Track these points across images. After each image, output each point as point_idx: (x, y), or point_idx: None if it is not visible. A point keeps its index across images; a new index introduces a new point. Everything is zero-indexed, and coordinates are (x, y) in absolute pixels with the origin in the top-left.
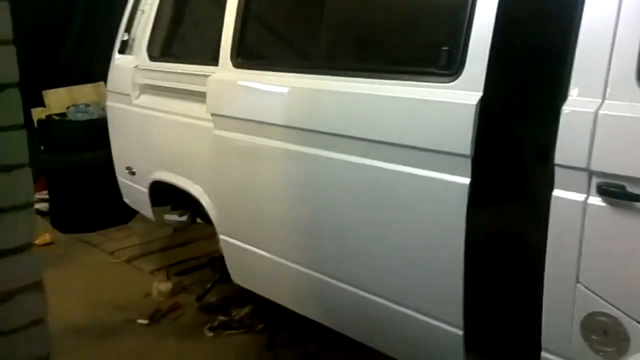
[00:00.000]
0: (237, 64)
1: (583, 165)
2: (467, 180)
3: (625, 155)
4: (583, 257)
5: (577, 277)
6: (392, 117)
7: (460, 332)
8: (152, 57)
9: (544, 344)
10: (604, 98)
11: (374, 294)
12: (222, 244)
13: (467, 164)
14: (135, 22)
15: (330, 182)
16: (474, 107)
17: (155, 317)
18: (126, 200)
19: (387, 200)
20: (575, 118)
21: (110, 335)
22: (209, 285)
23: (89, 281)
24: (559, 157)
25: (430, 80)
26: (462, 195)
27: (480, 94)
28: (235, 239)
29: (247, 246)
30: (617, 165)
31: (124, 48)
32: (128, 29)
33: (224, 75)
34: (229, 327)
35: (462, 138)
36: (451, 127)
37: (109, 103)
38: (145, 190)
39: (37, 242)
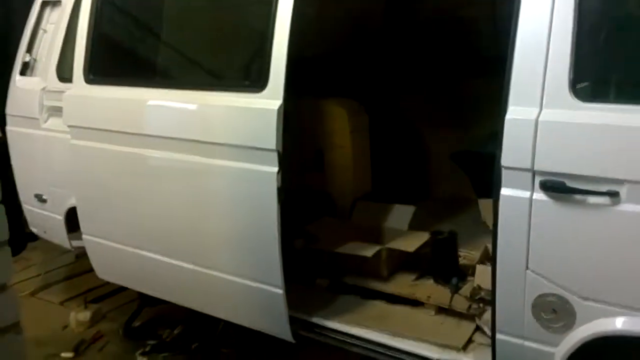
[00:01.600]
0: (88, 80)
1: (527, 166)
2: (275, 169)
3: (564, 156)
4: (531, 245)
5: (527, 264)
6: (216, 121)
7: (281, 291)
8: (62, 79)
9: (498, 326)
10: (541, 107)
11: (212, 269)
12: (85, 244)
13: (275, 157)
14: (37, 42)
15: (168, 177)
16: (276, 111)
17: (80, 349)
18: (33, 229)
19: (215, 189)
20: (518, 125)
21: None
22: (134, 310)
23: None
24: (505, 160)
25: (245, 91)
26: (272, 181)
27: (280, 101)
28: (96, 237)
29: (106, 242)
30: (557, 165)
31: (26, 69)
32: (29, 50)
33: (77, 91)
34: (162, 349)
35: (269, 136)
36: (261, 128)
37: (9, 128)
38: (60, 217)
39: None
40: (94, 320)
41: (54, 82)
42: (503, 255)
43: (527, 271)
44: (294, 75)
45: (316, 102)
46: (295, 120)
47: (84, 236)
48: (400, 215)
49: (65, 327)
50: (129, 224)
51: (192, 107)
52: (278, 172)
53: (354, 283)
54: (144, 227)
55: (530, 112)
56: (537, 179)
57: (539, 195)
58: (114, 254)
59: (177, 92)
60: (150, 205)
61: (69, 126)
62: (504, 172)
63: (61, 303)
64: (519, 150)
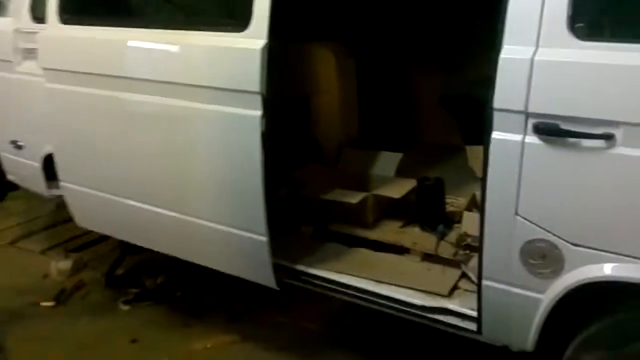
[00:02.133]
0: (63, 20)
1: (521, 108)
2: (259, 113)
3: (559, 96)
4: (521, 191)
5: (516, 210)
6: (196, 62)
7: (265, 239)
8: (36, 19)
9: (484, 273)
10: (537, 45)
11: (194, 216)
12: (63, 192)
13: (258, 100)
14: None
15: (148, 122)
16: (260, 51)
17: (61, 298)
18: (10, 177)
19: (196, 134)
20: (512, 65)
21: (16, 321)
22: (116, 258)
23: None
24: (498, 102)
25: (227, 30)
26: (256, 126)
27: (265, 40)
28: (74, 184)
29: (85, 189)
30: (552, 106)
31: None
32: None
33: (52, 32)
34: (144, 298)
35: (253, 78)
36: (244, 69)
37: None
38: (37, 164)
39: None
40: (75, 269)
41: (27, 23)
42: (492, 201)
43: (517, 217)
44: (277, 15)
45: (301, 45)
46: (280, 64)
47: (61, 184)
48: (387, 162)
49: (46, 276)
50: (108, 170)
51: (171, 47)
52: (262, 117)
53: (339, 230)
54: (124, 174)
55: (526, 51)
56: (530, 122)
57: (532, 139)
58: (93, 202)
59: (156, 32)
60: (130, 151)
61: (44, 69)
62: (495, 115)
63: (42, 252)
64: (513, 91)
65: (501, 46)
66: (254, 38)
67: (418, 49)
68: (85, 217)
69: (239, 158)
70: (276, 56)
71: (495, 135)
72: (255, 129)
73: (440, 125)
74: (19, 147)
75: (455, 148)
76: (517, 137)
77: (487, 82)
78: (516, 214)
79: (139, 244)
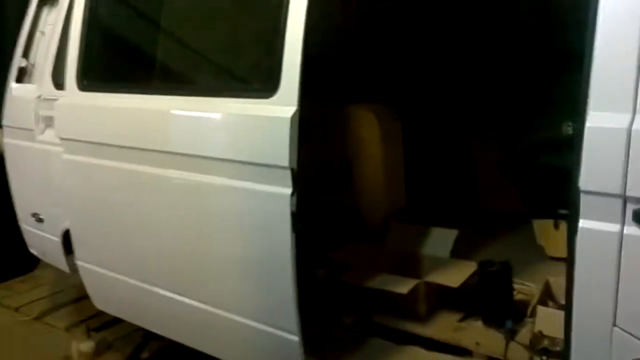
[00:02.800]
0: (82, 87)
1: (617, 190)
2: (288, 191)
3: None
4: (621, 297)
5: (615, 320)
6: (219, 132)
7: (296, 339)
8: (57, 86)
9: None
10: (635, 111)
11: (216, 307)
12: (80, 271)
13: (288, 175)
14: (34, 46)
15: (167, 199)
16: (289, 120)
17: None
18: (33, 251)
19: (219, 214)
20: (604, 136)
21: None
22: (140, 342)
23: None
24: (585, 182)
25: (253, 97)
26: (285, 205)
27: (295, 108)
28: (90, 264)
29: (101, 270)
30: None
31: (22, 76)
32: (26, 54)
33: (70, 99)
34: None
35: (281, 150)
36: (271, 140)
37: (6, 140)
38: (57, 239)
39: None
40: (98, 351)
41: (49, 89)
42: (581, 308)
43: (615, 328)
44: (312, 77)
45: (341, 108)
46: (318, 130)
47: (78, 262)
48: (441, 240)
49: (67, 358)
50: (124, 251)
51: (192, 116)
52: (292, 194)
53: (385, 323)
54: (141, 256)
55: (621, 119)
56: (630, 208)
57: (632, 230)
58: (109, 284)
59: (176, 99)
60: (148, 231)
61: (61, 139)
62: (582, 198)
63: (66, 329)
64: (604, 169)
65: (585, 113)
66: (282, 105)
67: (473, 112)
68: (102, 299)
69: (265, 242)
70: (309, 124)
71: (583, 224)
72: (284, 209)
73: (499, 194)
74: (40, 220)
75: (517, 219)
76: (613, 228)
77: (553, 146)
78: (614, 325)
79: (156, 332)
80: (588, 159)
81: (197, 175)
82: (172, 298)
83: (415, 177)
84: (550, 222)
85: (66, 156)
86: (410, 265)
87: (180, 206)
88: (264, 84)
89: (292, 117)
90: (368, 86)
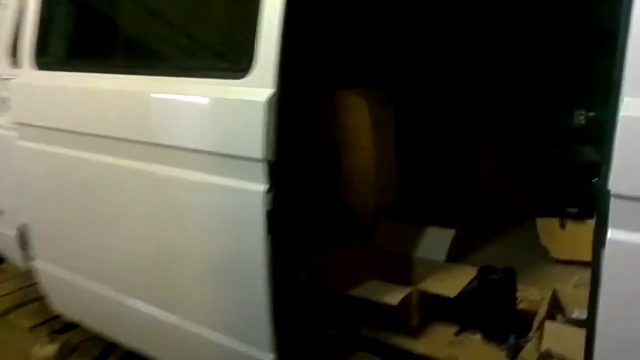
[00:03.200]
0: (39, 65)
1: None
2: (262, 187)
3: None
4: None
5: None
6: (184, 118)
7: (271, 356)
8: (15, 64)
9: None
10: None
11: (182, 317)
12: (37, 270)
13: (261, 169)
14: None
15: (127, 193)
16: (264, 104)
17: None
18: None
19: (184, 212)
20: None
21: None
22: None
23: None
24: (617, 183)
25: (222, 76)
26: (258, 204)
27: (272, 90)
28: (48, 262)
29: (59, 269)
30: None
31: None
32: None
33: (25, 79)
34: None
35: (254, 139)
36: (243, 128)
37: None
38: (12, 233)
39: None
40: (62, 354)
41: (4, 68)
42: (607, 327)
43: None
44: (295, 57)
45: (329, 92)
46: (302, 117)
47: (35, 260)
48: (436, 240)
49: None
50: (83, 249)
51: (154, 99)
52: (267, 191)
53: (372, 336)
54: (101, 256)
55: None
56: None
57: None
58: (67, 286)
59: (139, 79)
60: (108, 229)
61: (16, 123)
62: (612, 203)
63: (30, 328)
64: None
65: (618, 100)
66: (257, 87)
67: (472, 98)
68: (59, 301)
69: (236, 245)
70: (292, 110)
71: (613, 234)
72: (257, 208)
73: (499, 189)
74: (0, 213)
75: (519, 217)
76: None
77: (563, 137)
78: None
79: (118, 342)
80: (621, 155)
81: (161, 167)
82: (134, 305)
83: (409, 169)
84: (556, 221)
85: (21, 143)
86: (402, 270)
87: (143, 202)
88: (236, 61)
89: (268, 101)
90: (359, 69)
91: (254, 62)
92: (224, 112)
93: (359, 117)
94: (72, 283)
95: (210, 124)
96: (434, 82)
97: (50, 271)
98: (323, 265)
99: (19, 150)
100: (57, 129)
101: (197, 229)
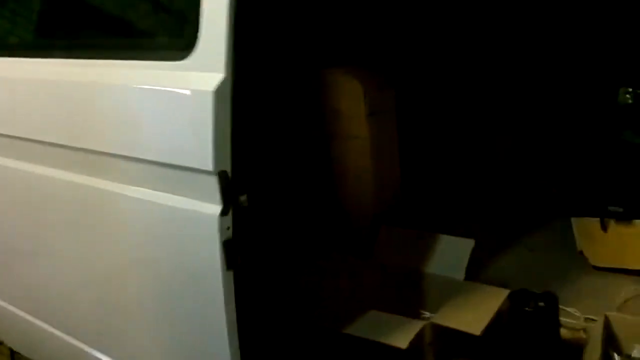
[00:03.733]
0: None
1: None
2: (216, 209)
3: None
4: None
5: None
6: (110, 115)
7: None
8: None
9: None
10: None
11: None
12: None
13: (214, 184)
14: None
15: (49, 207)
16: (212, 95)
17: None
18: None
19: (117, 236)
20: None
21: None
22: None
23: None
24: None
25: (158, 57)
26: (212, 231)
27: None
28: None
29: None
30: None
31: None
32: None
33: None
34: None
35: (201, 145)
36: (185, 129)
37: None
38: None
39: None
40: None
41: None
42: None
43: None
44: (260, 26)
45: (315, 72)
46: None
47: None
48: (452, 253)
49: None
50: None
51: (74, 89)
52: (223, 213)
53: None
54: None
55: None
56: None
57: None
58: None
59: (55, 62)
60: (32, 249)
61: None
62: None
63: None
64: None
65: None
66: (202, 70)
67: (489, 75)
68: None
69: (187, 285)
70: (254, 98)
71: None
72: (209, 238)
73: (521, 184)
74: None
75: (547, 216)
76: None
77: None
78: None
79: None
80: None
81: (87, 178)
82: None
83: (413, 164)
84: (596, 222)
85: None
86: (410, 292)
87: (69, 221)
88: (175, 34)
89: (218, 91)
90: (352, 44)
91: (198, 36)
92: (158, 107)
93: (352, 103)
94: None
95: (141, 122)
96: (442, 59)
97: None
98: (309, 287)
99: None
100: None
101: (135, 259)
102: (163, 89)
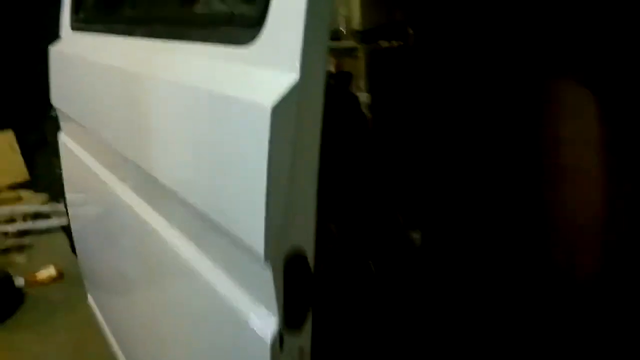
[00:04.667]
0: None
1: None
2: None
3: None
4: None
5: None
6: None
7: None
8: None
9: None
10: None
11: None
12: None
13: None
14: None
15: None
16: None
17: None
18: None
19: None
20: None
21: None
22: None
23: None
24: None
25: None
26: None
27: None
28: None
29: None
30: None
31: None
32: None
33: (61, 44)
34: None
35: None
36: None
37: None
38: None
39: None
40: None
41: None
42: None
43: None
44: None
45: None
46: None
47: None
48: None
49: None
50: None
51: (133, 82)
52: (278, 338)
53: None
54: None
55: None
56: None
57: None
58: None
59: (139, 44)
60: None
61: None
62: None
63: None
64: None
65: None
66: (265, 64)
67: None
68: None
69: None
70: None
71: None
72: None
73: None
74: None
75: None
76: None
77: None
78: None
79: None
80: None
81: (154, 216)
82: None
83: None
84: None
85: (62, 137)
86: None
87: (140, 261)
88: (239, 14)
89: (276, 107)
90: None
91: (266, 18)
92: (212, 117)
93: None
94: None
95: (196, 142)
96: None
97: None
98: None
99: (62, 148)
100: (84, 127)
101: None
102: (216, 90)
